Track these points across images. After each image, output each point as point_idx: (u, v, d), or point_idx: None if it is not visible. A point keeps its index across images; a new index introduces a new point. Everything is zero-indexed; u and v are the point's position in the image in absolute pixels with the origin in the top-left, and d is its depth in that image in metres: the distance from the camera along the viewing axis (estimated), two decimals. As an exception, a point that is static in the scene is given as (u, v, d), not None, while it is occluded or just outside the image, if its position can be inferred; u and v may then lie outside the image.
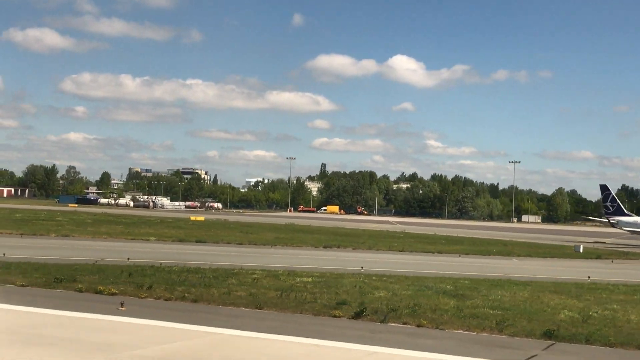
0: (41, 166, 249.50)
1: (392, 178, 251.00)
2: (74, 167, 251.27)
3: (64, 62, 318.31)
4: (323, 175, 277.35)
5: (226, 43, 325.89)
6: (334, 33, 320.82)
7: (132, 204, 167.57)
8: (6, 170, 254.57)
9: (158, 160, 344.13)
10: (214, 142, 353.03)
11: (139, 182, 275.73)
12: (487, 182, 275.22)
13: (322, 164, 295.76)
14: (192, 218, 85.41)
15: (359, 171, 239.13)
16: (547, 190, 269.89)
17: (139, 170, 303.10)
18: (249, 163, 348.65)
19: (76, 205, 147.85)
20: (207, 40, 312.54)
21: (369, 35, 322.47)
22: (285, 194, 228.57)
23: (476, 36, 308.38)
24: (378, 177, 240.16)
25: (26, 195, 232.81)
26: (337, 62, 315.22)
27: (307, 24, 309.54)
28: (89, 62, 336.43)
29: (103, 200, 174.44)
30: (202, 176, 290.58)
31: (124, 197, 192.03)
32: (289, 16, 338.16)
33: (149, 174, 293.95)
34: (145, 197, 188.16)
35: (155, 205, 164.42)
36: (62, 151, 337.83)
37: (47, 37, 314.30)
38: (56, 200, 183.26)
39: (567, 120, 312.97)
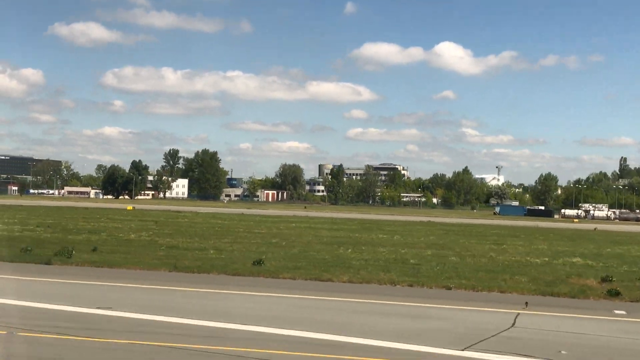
0: (294, 165, 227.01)
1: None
2: (370, 166, 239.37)
3: (108, 55, 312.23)
4: (622, 170, 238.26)
5: (274, 34, 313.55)
6: (383, 20, 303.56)
7: (612, 216, 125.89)
8: (222, 171, 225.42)
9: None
10: (248, 134, 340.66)
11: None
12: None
13: (622, 157, 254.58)
14: None
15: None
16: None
17: (331, 166, 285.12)
18: (282, 155, 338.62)
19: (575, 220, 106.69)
20: (256, 31, 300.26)
21: (416, 22, 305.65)
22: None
23: (525, 21, 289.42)
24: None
25: (285, 198, 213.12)
26: (383, 50, 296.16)
27: (359, 12, 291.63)
28: (133, 56, 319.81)
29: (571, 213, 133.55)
30: (402, 172, 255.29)
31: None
32: (341, 4, 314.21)
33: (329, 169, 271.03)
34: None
35: None
36: (96, 145, 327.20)
37: (94, 31, 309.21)
38: (494, 212, 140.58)
39: (612, 106, 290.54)
